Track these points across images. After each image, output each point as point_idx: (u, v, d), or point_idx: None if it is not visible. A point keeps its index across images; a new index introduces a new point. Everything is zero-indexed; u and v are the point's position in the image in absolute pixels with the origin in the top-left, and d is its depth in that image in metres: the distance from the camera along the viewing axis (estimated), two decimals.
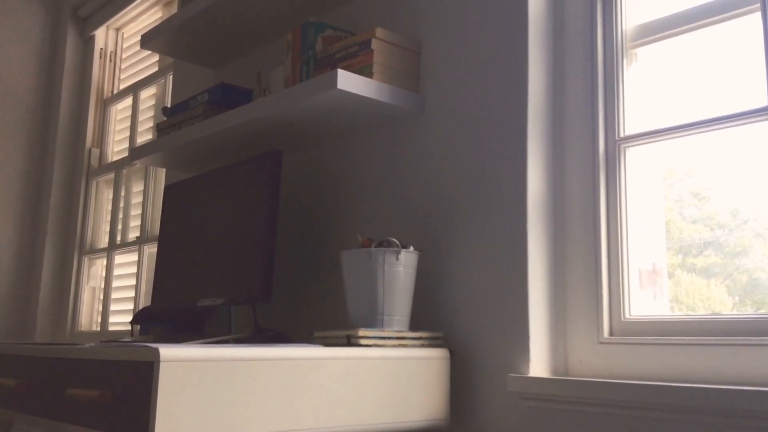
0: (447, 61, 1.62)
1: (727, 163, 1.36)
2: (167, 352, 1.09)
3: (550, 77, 1.49)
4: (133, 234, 2.86)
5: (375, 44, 1.59)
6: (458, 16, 1.61)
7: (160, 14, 2.99)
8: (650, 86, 1.45)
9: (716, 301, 1.34)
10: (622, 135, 1.42)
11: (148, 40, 2.23)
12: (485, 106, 1.52)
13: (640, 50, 1.45)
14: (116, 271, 2.93)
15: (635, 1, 1.47)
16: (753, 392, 1.05)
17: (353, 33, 1.77)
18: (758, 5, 1.26)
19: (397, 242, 1.45)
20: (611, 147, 1.42)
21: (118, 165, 3.03)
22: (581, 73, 1.47)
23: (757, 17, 1.27)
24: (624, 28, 1.46)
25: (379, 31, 1.60)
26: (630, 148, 1.41)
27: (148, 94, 2.99)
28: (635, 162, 1.42)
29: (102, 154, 3.19)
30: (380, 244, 1.45)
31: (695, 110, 1.35)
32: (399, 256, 1.43)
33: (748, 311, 1.30)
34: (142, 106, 3.00)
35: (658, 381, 1.21)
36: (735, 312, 1.30)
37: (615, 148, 1.42)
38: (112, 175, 3.08)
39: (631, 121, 1.43)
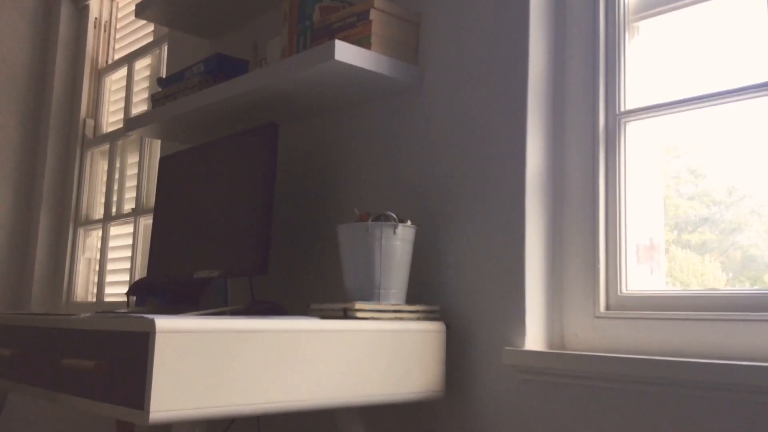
0: (447, 33, 1.60)
1: (723, 139, 1.36)
2: (163, 323, 1.09)
3: (551, 50, 1.48)
4: (129, 205, 2.85)
5: (373, 15, 1.57)
6: None
7: None
8: (652, 60, 1.44)
9: (710, 277, 1.34)
10: (622, 109, 1.41)
11: (142, 10, 2.21)
12: (485, 79, 1.51)
13: (642, 23, 1.44)
14: (112, 243, 2.93)
15: None
16: (747, 367, 1.05)
17: (351, 3, 1.75)
18: None
19: (395, 216, 1.44)
20: (611, 121, 1.41)
21: (113, 136, 3.01)
22: (582, 47, 1.46)
23: None
24: (626, 0, 1.44)
25: (378, 2, 1.58)
26: (630, 123, 1.41)
27: (143, 65, 2.96)
28: (635, 137, 1.41)
29: (97, 125, 3.17)
30: (377, 218, 1.44)
31: (697, 85, 1.34)
32: (396, 230, 1.43)
33: (743, 287, 1.30)
34: (137, 77, 2.97)
35: (653, 355, 1.22)
36: (731, 287, 1.31)
37: (615, 122, 1.41)
38: (107, 146, 3.06)
39: (632, 96, 1.41)
